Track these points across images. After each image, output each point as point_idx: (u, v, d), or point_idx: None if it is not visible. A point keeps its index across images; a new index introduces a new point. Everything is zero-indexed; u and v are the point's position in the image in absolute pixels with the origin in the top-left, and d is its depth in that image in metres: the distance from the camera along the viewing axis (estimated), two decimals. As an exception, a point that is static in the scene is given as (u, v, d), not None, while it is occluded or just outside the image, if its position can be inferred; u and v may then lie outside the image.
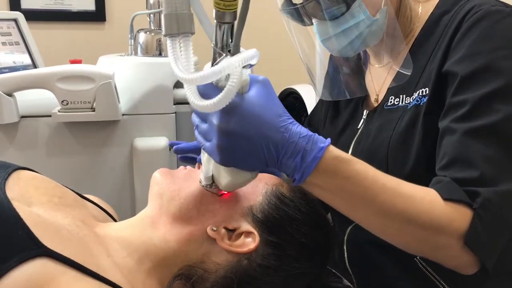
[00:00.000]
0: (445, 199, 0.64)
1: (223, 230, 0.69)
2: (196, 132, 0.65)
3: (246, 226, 0.70)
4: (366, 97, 0.93)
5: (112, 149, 1.13)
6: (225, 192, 0.71)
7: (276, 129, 0.59)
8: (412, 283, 0.80)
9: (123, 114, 1.12)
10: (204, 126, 0.63)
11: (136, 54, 1.32)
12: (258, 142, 0.59)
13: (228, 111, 0.58)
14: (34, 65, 1.33)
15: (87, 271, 0.55)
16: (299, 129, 0.60)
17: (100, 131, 1.11)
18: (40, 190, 0.69)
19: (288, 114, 0.61)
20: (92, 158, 1.12)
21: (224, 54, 0.59)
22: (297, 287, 0.73)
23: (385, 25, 0.82)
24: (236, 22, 0.58)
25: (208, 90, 0.58)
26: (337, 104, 0.99)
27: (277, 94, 1.65)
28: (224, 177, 0.65)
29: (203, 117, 0.63)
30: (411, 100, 0.79)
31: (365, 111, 0.90)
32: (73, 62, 1.42)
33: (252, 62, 0.58)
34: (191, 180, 0.73)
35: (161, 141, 1.13)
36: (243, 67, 0.57)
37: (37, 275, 0.52)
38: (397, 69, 0.85)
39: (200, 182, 0.69)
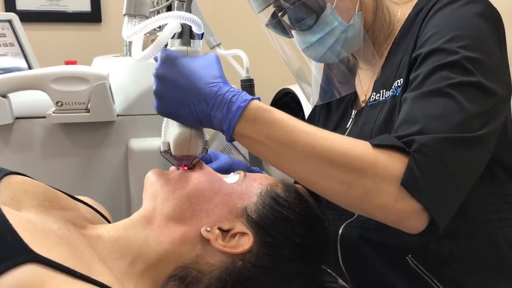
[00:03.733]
0: (374, 145, 0.64)
1: (217, 231, 0.69)
2: None
3: (241, 226, 0.70)
4: (355, 98, 0.95)
5: (107, 150, 1.13)
6: (184, 166, 0.74)
7: (207, 85, 0.66)
8: (405, 281, 0.80)
9: (118, 115, 1.12)
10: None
11: (131, 55, 1.32)
12: (189, 93, 0.65)
13: (166, 61, 0.67)
14: (29, 66, 1.32)
15: (78, 274, 0.55)
16: (229, 87, 0.66)
17: (95, 132, 1.11)
18: (31, 194, 0.68)
19: (226, 80, 0.67)
20: (87, 159, 1.12)
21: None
22: (292, 287, 0.73)
23: (362, 30, 0.84)
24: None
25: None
26: (329, 105, 1.00)
27: (274, 94, 1.64)
28: (171, 136, 0.71)
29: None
30: (390, 93, 0.81)
31: (353, 111, 0.92)
32: (68, 63, 1.41)
33: (193, 27, 0.66)
34: (184, 180, 0.73)
35: (157, 142, 1.12)
36: (192, 38, 0.69)
37: (26, 281, 0.51)
38: (378, 70, 0.87)
39: (159, 152, 0.75)
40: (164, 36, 0.63)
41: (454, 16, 0.74)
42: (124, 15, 0.66)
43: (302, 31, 0.84)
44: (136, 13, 0.66)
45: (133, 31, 0.63)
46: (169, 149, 0.73)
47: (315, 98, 0.98)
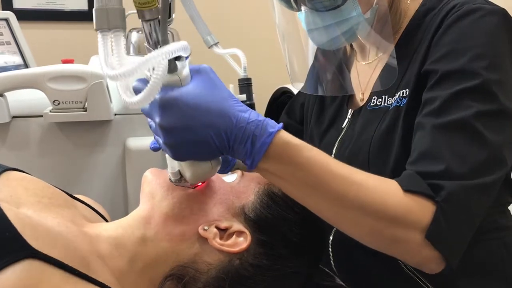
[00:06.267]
0: (405, 190, 0.63)
1: (214, 230, 0.69)
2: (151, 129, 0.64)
3: (238, 225, 0.70)
4: (351, 94, 0.92)
5: (105, 149, 1.12)
6: (198, 184, 0.71)
7: (221, 116, 0.58)
8: (398, 284, 0.79)
9: (115, 114, 1.12)
10: (152, 123, 0.62)
11: (128, 53, 1.32)
12: (205, 132, 0.58)
13: (165, 107, 0.57)
14: (26, 65, 1.32)
15: (76, 272, 0.55)
16: (247, 114, 0.59)
17: (92, 131, 1.11)
18: (30, 191, 0.68)
19: (235, 99, 0.60)
20: (85, 158, 1.12)
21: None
22: (290, 286, 0.73)
23: (373, 24, 0.82)
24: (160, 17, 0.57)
25: (141, 87, 0.55)
26: (323, 100, 0.97)
27: (271, 93, 1.64)
28: (187, 170, 0.65)
29: (148, 115, 0.61)
30: (393, 101, 0.79)
31: (350, 110, 0.89)
32: (65, 61, 1.41)
33: (182, 54, 0.57)
34: (182, 179, 0.72)
35: (154, 141, 1.12)
36: (176, 59, 0.58)
37: (25, 277, 0.51)
38: (382, 68, 0.84)
39: (169, 179, 0.70)
40: (159, 77, 0.53)
41: (472, 31, 0.72)
42: (96, 30, 0.54)
43: (317, 11, 0.79)
44: (110, 26, 0.54)
45: (117, 72, 0.52)
46: (181, 177, 0.68)
47: (297, 81, 0.94)
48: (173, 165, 0.67)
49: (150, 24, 0.56)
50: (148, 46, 0.58)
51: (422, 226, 0.62)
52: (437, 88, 0.70)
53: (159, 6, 0.55)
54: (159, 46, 0.57)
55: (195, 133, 0.58)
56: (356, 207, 0.61)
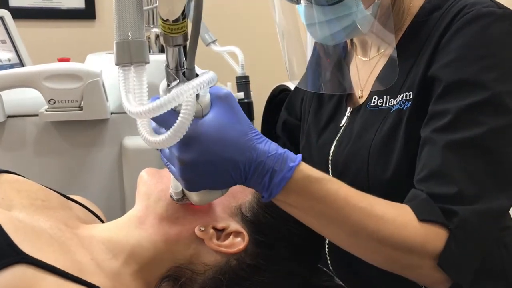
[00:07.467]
0: (421, 220, 0.63)
1: (211, 230, 0.68)
2: (161, 154, 0.62)
3: (235, 225, 0.69)
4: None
5: (101, 149, 1.12)
6: None
7: (241, 150, 0.57)
8: (394, 284, 0.79)
9: (111, 113, 1.11)
10: (166, 150, 0.59)
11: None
12: (223, 166, 0.56)
13: (186, 142, 0.55)
14: (22, 64, 1.31)
15: (68, 275, 0.54)
16: (266, 147, 0.58)
17: (88, 130, 1.10)
18: (22, 193, 0.67)
19: (255, 130, 0.59)
20: (81, 157, 1.11)
21: (177, 80, 0.55)
22: (288, 287, 0.72)
23: (374, 19, 0.80)
24: (188, 44, 0.53)
25: (166, 116, 0.53)
26: (321, 95, 0.95)
27: (270, 91, 1.63)
28: (195, 196, 0.63)
29: None
30: (395, 103, 0.77)
31: (348, 108, 0.87)
32: (61, 60, 1.40)
33: (210, 85, 0.54)
34: (178, 179, 0.71)
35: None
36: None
37: (16, 283, 0.51)
38: (383, 67, 0.82)
39: (171, 196, 0.68)
40: (186, 118, 0.51)
41: (482, 38, 0.70)
42: (117, 65, 0.51)
43: (318, 5, 0.77)
44: (133, 61, 0.50)
45: (142, 110, 0.49)
46: (184, 195, 0.66)
47: (302, 80, 0.93)
48: (177, 184, 0.66)
49: (176, 49, 0.53)
50: (168, 69, 0.55)
51: (436, 254, 0.62)
52: (445, 100, 0.69)
53: (188, 31, 0.52)
54: (180, 70, 0.55)
55: (215, 167, 0.56)
56: (375, 239, 0.62)
